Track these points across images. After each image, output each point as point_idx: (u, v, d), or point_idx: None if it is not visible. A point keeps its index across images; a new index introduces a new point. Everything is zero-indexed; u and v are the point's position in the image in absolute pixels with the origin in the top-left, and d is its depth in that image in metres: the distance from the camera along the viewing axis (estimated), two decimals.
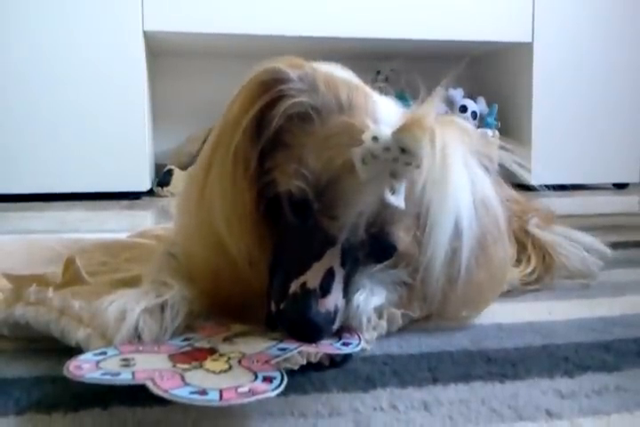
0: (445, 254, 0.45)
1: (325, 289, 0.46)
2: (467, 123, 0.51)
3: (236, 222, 0.49)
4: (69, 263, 0.54)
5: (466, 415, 0.38)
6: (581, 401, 0.40)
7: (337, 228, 0.46)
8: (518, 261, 0.72)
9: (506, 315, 0.59)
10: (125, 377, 0.37)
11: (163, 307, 0.47)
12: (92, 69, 1.78)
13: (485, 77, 2.47)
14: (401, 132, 0.43)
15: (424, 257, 0.45)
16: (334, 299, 0.46)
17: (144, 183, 1.90)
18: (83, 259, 0.65)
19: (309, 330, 0.45)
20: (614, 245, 0.80)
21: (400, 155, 0.44)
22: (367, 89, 0.53)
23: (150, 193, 2.02)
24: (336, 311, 0.46)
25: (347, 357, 0.47)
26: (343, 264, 0.47)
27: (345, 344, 0.47)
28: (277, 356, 0.42)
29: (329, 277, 0.46)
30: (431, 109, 0.45)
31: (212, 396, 0.35)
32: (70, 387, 0.41)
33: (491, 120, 2.24)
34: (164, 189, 2.02)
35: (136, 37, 1.79)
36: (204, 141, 1.97)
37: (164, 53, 2.15)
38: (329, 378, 0.44)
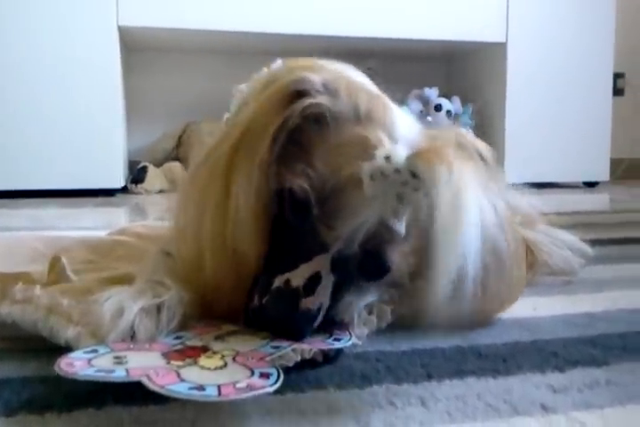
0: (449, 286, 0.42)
1: (309, 290, 0.46)
2: (480, 159, 0.50)
3: (255, 228, 0.48)
4: (55, 262, 0.53)
5: (463, 411, 0.38)
6: (574, 395, 0.40)
7: (332, 237, 0.46)
8: None
9: None
10: (120, 374, 0.37)
11: (159, 308, 0.46)
12: (66, 64, 1.75)
13: (460, 77, 2.49)
14: (417, 157, 0.43)
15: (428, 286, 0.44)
16: (318, 300, 0.46)
17: (118, 180, 1.87)
18: (66, 257, 0.64)
19: (288, 328, 0.45)
20: (592, 243, 0.81)
21: (411, 179, 0.43)
22: (386, 100, 0.53)
23: (124, 190, 1.99)
24: (318, 311, 0.46)
25: (339, 352, 0.47)
26: (333, 271, 0.47)
27: (336, 340, 0.47)
28: (272, 353, 0.42)
29: (315, 279, 0.46)
30: (451, 140, 0.45)
31: (210, 391, 0.35)
32: (62, 386, 0.40)
33: (465, 119, 2.26)
34: (139, 186, 2.00)
35: (111, 32, 1.77)
36: (180, 138, 1.95)
37: (138, 49, 2.13)
38: (324, 376, 0.44)
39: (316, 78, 0.49)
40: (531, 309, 0.61)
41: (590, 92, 2.32)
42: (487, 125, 2.31)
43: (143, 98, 2.18)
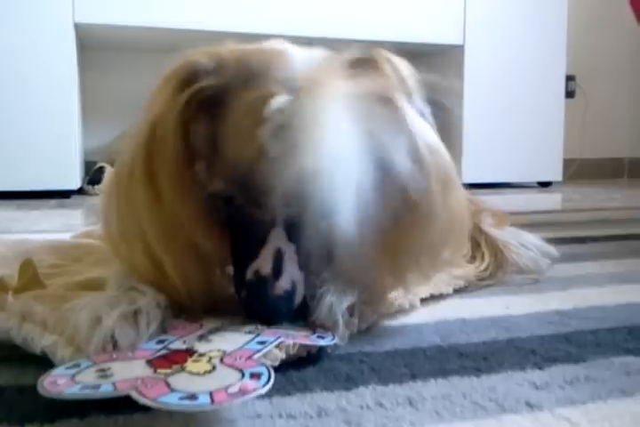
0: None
1: (277, 271, 0.47)
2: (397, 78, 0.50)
3: (196, 226, 0.49)
4: (27, 266, 0.51)
5: (451, 410, 0.39)
6: (556, 392, 0.41)
7: (267, 214, 0.47)
8: (473, 258, 0.74)
9: (467, 310, 0.61)
10: (107, 389, 0.35)
11: (136, 313, 0.45)
12: (20, 62, 1.69)
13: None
14: (302, 97, 0.43)
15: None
16: (289, 277, 0.48)
17: (74, 181, 1.83)
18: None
19: (271, 315, 0.48)
20: (553, 241, 0.83)
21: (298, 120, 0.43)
22: (291, 48, 0.51)
23: (80, 192, 1.94)
24: (294, 288, 0.48)
25: (321, 352, 0.47)
26: (291, 239, 0.48)
27: (320, 337, 0.47)
28: (259, 350, 0.41)
29: (278, 258, 0.48)
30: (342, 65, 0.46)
31: (203, 400, 0.34)
32: (41, 397, 0.39)
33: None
34: (95, 187, 1.95)
35: (66, 29, 1.73)
36: None
37: (95, 47, 2.08)
38: (309, 378, 0.43)
39: (203, 59, 0.48)
40: (504, 307, 0.62)
41: (544, 94, 2.38)
42: (445, 127, 2.35)
43: (100, 97, 2.13)
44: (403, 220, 0.49)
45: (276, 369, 0.41)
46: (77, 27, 1.75)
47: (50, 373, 0.38)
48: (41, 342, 0.43)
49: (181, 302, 0.50)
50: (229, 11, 1.90)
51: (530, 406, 0.39)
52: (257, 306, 0.48)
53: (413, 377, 0.44)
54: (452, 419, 0.37)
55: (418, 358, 0.48)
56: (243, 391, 0.35)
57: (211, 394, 0.34)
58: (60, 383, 0.36)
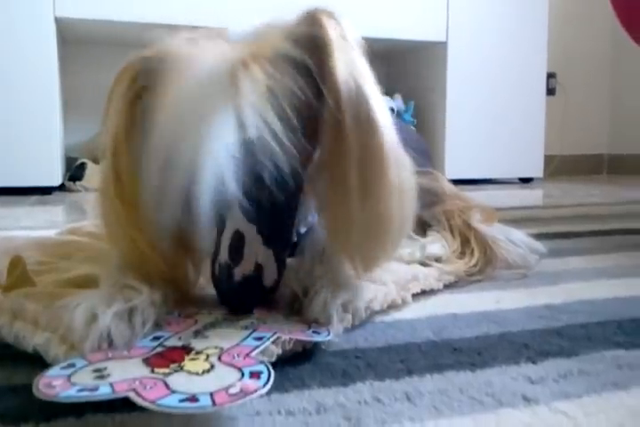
0: None
1: (236, 257, 0.47)
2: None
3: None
4: (16, 263, 0.50)
5: (449, 405, 0.39)
6: (551, 386, 0.42)
7: (213, 203, 0.45)
8: (462, 254, 0.75)
9: (458, 305, 0.61)
10: (104, 391, 0.34)
11: (131, 312, 0.44)
12: (0, 56, 1.66)
13: (402, 75, 2.53)
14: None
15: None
16: (251, 260, 0.47)
17: (55, 177, 1.81)
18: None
19: (238, 302, 0.48)
20: (537, 237, 0.84)
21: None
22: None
23: (62, 188, 1.92)
24: (259, 270, 0.48)
25: (316, 347, 0.47)
26: (251, 219, 0.47)
27: (315, 333, 0.47)
28: (256, 347, 0.41)
29: (236, 243, 0.47)
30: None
31: (204, 402, 0.33)
32: (35, 396, 0.38)
33: (407, 117, 2.30)
34: (77, 183, 1.93)
35: (47, 24, 1.70)
36: None
37: (76, 41, 2.05)
38: (306, 374, 0.43)
39: (147, 53, 0.49)
40: (494, 302, 0.63)
41: (526, 91, 2.40)
42: (429, 123, 2.36)
43: (81, 92, 2.11)
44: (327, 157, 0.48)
45: (273, 365, 0.41)
46: (58, 21, 1.72)
47: (44, 373, 0.37)
48: (33, 340, 0.43)
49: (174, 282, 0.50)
50: (212, 5, 1.88)
51: (527, 400, 0.39)
52: (224, 295, 0.49)
53: (409, 372, 0.44)
54: (451, 414, 0.38)
55: (413, 354, 0.48)
56: (244, 392, 0.34)
57: (211, 395, 0.34)
58: (55, 385, 0.35)
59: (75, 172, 1.94)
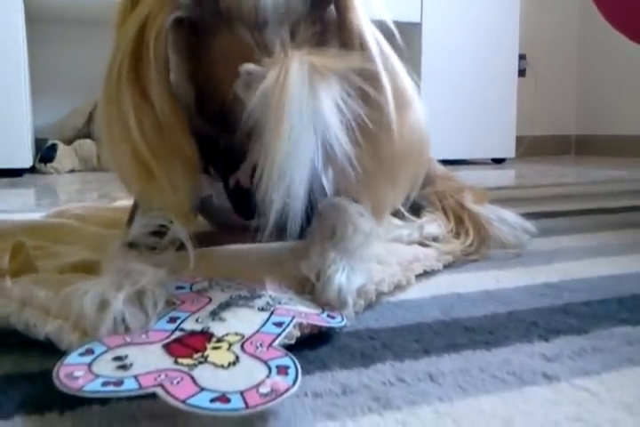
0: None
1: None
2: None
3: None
4: (18, 249, 0.48)
5: (473, 384, 0.39)
6: (568, 363, 0.42)
7: (243, 141, 0.47)
8: (457, 234, 0.75)
9: (460, 285, 0.62)
10: (130, 386, 0.33)
11: (141, 294, 0.43)
12: None
13: None
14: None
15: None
16: None
17: (25, 159, 1.76)
18: (7, 243, 0.59)
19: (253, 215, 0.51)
20: (524, 217, 0.85)
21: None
22: None
23: (33, 170, 1.87)
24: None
25: (330, 329, 0.47)
26: None
27: (330, 317, 0.47)
28: (278, 335, 0.41)
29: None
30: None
31: (236, 403, 0.32)
32: (50, 383, 0.37)
33: None
34: (48, 165, 1.89)
35: (14, 2, 1.63)
36: (91, 113, 1.86)
37: (45, 20, 1.98)
38: (325, 356, 0.43)
39: None
40: (494, 281, 0.64)
41: (498, 72, 2.42)
42: None
43: (50, 72, 2.04)
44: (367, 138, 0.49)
45: (291, 347, 0.41)
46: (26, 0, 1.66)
47: (63, 361, 0.36)
48: (45, 327, 0.41)
49: (168, 208, 0.51)
50: None
51: (547, 377, 0.40)
52: (240, 210, 0.60)
53: (427, 352, 0.44)
54: (477, 393, 0.38)
55: (426, 334, 0.48)
56: (275, 392, 0.33)
57: (242, 395, 0.33)
58: (77, 376, 0.34)
59: (45, 153, 1.89)
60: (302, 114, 0.41)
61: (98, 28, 2.15)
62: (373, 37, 0.51)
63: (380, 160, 0.50)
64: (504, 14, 2.38)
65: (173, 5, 0.47)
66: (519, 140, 2.68)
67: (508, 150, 2.51)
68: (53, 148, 1.88)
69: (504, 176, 2.14)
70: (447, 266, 0.69)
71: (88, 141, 1.97)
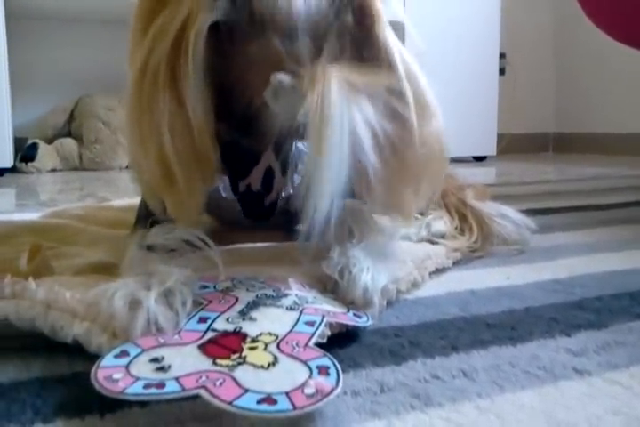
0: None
1: (268, 186, 0.62)
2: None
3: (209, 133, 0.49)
4: (36, 250, 0.47)
5: (507, 380, 0.39)
6: (595, 358, 0.43)
7: (262, 145, 0.58)
8: (462, 231, 0.76)
9: (471, 281, 0.62)
10: (173, 389, 0.33)
11: (168, 294, 0.43)
12: None
13: None
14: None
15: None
16: (276, 191, 0.62)
17: (6, 159, 1.72)
18: (15, 244, 0.58)
19: (262, 217, 0.65)
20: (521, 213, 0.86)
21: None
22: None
23: (13, 170, 1.83)
24: (278, 197, 0.63)
25: (356, 327, 0.47)
26: (278, 157, 0.60)
27: (356, 315, 0.47)
28: (312, 335, 0.40)
29: (269, 175, 0.62)
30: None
31: (283, 404, 0.32)
32: (84, 385, 0.36)
33: None
34: (29, 164, 1.85)
35: None
36: (72, 112, 1.84)
37: (25, 17, 1.94)
38: (355, 354, 0.43)
39: None
40: (505, 278, 0.64)
41: (479, 71, 2.44)
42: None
43: (30, 70, 2.00)
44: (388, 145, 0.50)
45: (321, 346, 0.41)
46: None
47: (100, 364, 0.35)
48: (72, 330, 0.41)
49: (181, 209, 0.50)
50: None
51: (578, 372, 0.40)
52: (250, 212, 0.64)
53: (455, 349, 0.45)
54: (514, 389, 0.38)
55: (450, 330, 0.48)
56: (320, 393, 0.33)
57: (288, 396, 0.32)
58: (117, 378, 0.33)
59: (26, 152, 1.85)
60: (342, 132, 0.42)
61: (79, 24, 2.12)
62: (399, 51, 0.52)
63: (403, 169, 0.51)
64: (485, 13, 2.40)
65: (210, 8, 0.46)
66: (499, 138, 2.71)
67: (490, 148, 2.54)
68: (34, 147, 1.85)
69: (486, 174, 2.16)
70: (455, 263, 0.69)
71: (69, 140, 1.94)
